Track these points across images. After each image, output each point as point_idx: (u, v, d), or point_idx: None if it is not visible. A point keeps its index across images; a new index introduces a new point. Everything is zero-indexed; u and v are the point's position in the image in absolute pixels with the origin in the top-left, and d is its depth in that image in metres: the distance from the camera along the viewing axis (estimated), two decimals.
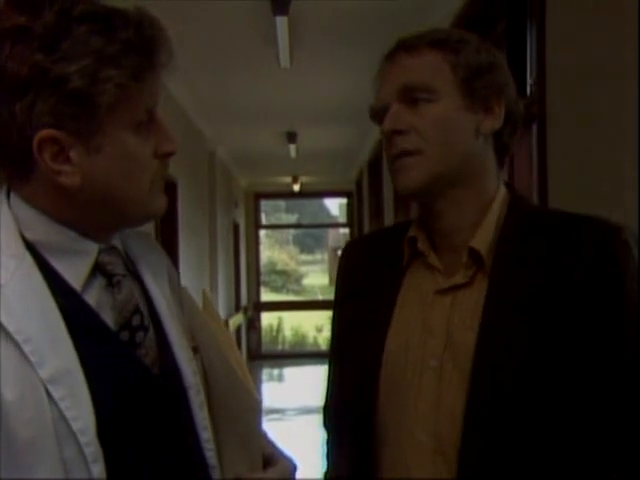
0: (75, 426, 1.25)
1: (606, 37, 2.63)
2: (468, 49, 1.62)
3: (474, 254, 1.60)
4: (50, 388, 1.25)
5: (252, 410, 1.58)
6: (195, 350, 1.55)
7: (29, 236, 1.35)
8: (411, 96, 1.59)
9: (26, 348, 1.25)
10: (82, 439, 1.26)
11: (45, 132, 1.28)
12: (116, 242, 1.47)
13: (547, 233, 1.59)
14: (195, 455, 1.47)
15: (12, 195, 1.38)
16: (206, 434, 1.49)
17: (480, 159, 1.64)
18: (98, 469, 1.27)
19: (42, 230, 1.36)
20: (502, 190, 1.67)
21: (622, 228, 1.55)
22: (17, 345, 1.24)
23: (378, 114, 1.66)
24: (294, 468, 1.62)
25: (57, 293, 1.32)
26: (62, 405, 1.25)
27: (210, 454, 1.49)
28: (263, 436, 1.62)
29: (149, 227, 5.89)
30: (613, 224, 1.57)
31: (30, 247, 1.34)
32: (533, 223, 1.62)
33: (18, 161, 1.32)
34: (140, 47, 1.31)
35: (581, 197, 2.89)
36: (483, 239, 1.60)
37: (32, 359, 1.25)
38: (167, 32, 1.36)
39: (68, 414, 1.25)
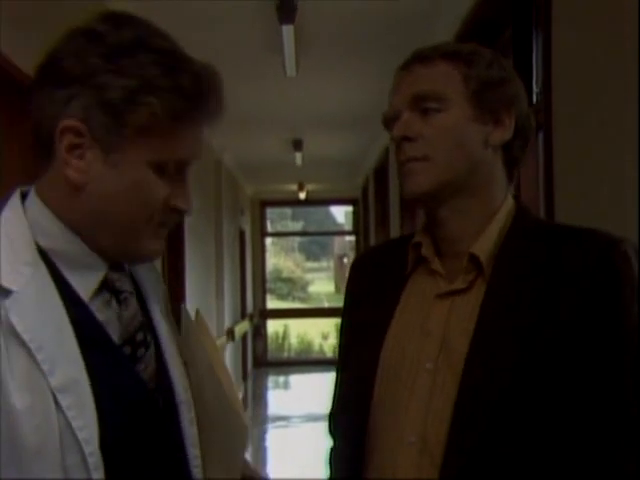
0: (80, 435, 1.29)
1: (611, 45, 2.64)
2: (480, 62, 1.64)
3: (474, 260, 1.61)
4: (59, 397, 1.28)
5: (239, 432, 1.61)
6: (184, 365, 1.58)
7: (43, 243, 1.38)
8: (422, 105, 1.62)
9: (39, 356, 1.28)
10: (86, 449, 1.29)
11: (72, 121, 1.35)
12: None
13: (548, 244, 1.60)
14: (183, 470, 1.51)
15: (31, 196, 1.42)
16: (194, 450, 1.52)
17: (488, 170, 1.65)
18: (98, 476, 1.30)
19: (56, 237, 1.40)
20: (509, 202, 1.69)
21: (622, 240, 1.55)
22: (30, 352, 1.28)
23: (390, 121, 1.69)
24: None
25: (67, 302, 1.36)
26: (69, 414, 1.29)
27: (196, 470, 1.52)
28: (244, 458, 1.65)
29: None
30: (613, 236, 1.57)
31: (43, 254, 1.38)
32: (536, 234, 1.63)
33: (44, 145, 1.39)
34: (189, 93, 1.36)
35: (587, 204, 2.88)
36: (484, 246, 1.62)
37: (43, 367, 1.28)
38: (224, 96, 1.42)
39: (74, 423, 1.29)
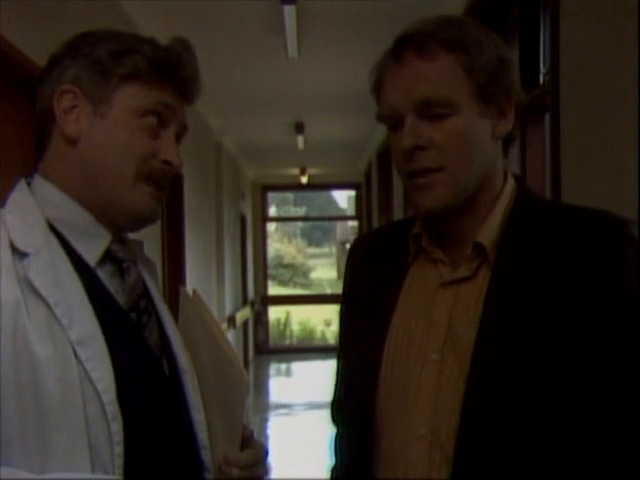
0: (99, 386, 1.38)
1: (621, 26, 2.62)
2: (485, 49, 1.54)
3: (479, 248, 1.58)
4: (77, 349, 1.38)
5: (238, 382, 1.62)
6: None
7: (50, 215, 1.49)
8: (429, 110, 1.52)
9: (58, 311, 1.38)
10: (105, 398, 1.38)
11: (66, 86, 1.51)
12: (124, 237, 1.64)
13: (552, 226, 1.56)
14: (189, 436, 1.58)
15: (35, 179, 1.55)
16: (199, 416, 1.60)
17: (493, 160, 1.60)
18: (117, 427, 1.39)
19: (62, 208, 1.51)
20: (510, 183, 1.64)
21: (627, 222, 1.52)
22: (49, 308, 1.38)
23: (388, 120, 1.60)
24: (266, 453, 1.70)
25: (76, 269, 1.46)
26: (88, 366, 1.38)
27: (202, 435, 1.60)
28: (244, 409, 1.69)
29: None
30: (618, 218, 1.53)
31: (50, 226, 1.49)
32: (539, 217, 1.59)
33: (44, 129, 1.54)
34: (166, 54, 1.54)
35: (594, 186, 2.90)
36: (488, 233, 1.58)
37: (63, 321, 1.38)
38: (198, 70, 1.60)
39: (93, 374, 1.38)
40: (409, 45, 1.54)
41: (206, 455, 1.59)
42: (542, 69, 3.93)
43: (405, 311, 1.64)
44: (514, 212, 1.60)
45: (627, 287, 1.47)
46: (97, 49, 1.51)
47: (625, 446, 1.49)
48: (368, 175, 13.33)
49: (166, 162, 1.54)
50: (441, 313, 1.59)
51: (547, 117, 3.60)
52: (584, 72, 2.99)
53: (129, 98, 1.51)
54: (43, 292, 1.38)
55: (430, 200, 1.56)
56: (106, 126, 1.50)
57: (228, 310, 10.52)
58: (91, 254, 1.51)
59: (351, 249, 1.87)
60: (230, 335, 10.47)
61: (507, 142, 1.64)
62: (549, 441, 1.47)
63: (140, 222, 1.58)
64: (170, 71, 1.53)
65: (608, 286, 1.47)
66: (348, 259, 1.84)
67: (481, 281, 1.56)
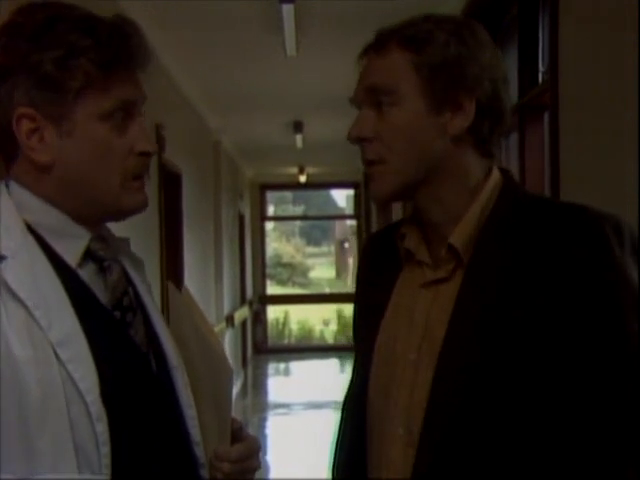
0: (81, 386, 1.38)
1: (621, 24, 2.61)
2: (434, 45, 1.53)
3: (452, 249, 1.58)
4: (58, 350, 1.38)
5: (224, 374, 1.64)
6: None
7: (28, 218, 1.48)
8: (376, 99, 1.57)
9: (36, 313, 1.37)
10: (88, 398, 1.38)
11: (22, 109, 1.46)
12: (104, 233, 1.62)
13: (530, 224, 1.54)
14: (181, 432, 1.59)
15: (11, 183, 1.52)
16: (191, 411, 1.61)
17: (453, 158, 1.58)
18: (102, 427, 1.39)
19: (39, 212, 1.49)
20: (494, 178, 1.62)
21: (602, 219, 1.50)
22: (28, 310, 1.37)
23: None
24: (259, 446, 1.71)
25: (57, 269, 1.46)
26: (69, 367, 1.38)
27: (194, 431, 1.60)
28: (231, 401, 1.69)
29: (154, 218, 5.82)
30: (594, 215, 1.52)
31: (29, 228, 1.47)
32: (519, 214, 1.57)
33: (5, 140, 1.49)
34: (111, 43, 1.48)
35: (593, 185, 2.90)
36: (462, 233, 1.57)
37: (42, 323, 1.37)
38: (144, 36, 1.56)
39: (75, 375, 1.38)
40: (372, 44, 1.60)
41: (199, 451, 1.60)
42: (541, 68, 3.92)
43: (393, 311, 1.66)
44: (495, 209, 1.58)
45: (600, 287, 1.46)
46: (42, 62, 1.43)
47: (589, 445, 1.48)
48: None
49: (143, 153, 1.54)
50: (420, 314, 1.60)
51: (546, 116, 3.59)
52: (583, 70, 2.99)
53: (89, 106, 1.47)
54: (21, 295, 1.37)
55: (373, 191, 1.62)
56: (76, 145, 1.47)
57: (226, 309, 10.50)
58: (71, 255, 1.50)
59: (361, 250, 1.90)
60: (228, 335, 10.47)
61: (483, 145, 1.60)
62: (511, 443, 1.47)
63: (129, 214, 1.58)
64: (120, 61, 1.49)
65: (580, 287, 1.46)
66: (358, 260, 1.89)
67: (455, 282, 1.57)
